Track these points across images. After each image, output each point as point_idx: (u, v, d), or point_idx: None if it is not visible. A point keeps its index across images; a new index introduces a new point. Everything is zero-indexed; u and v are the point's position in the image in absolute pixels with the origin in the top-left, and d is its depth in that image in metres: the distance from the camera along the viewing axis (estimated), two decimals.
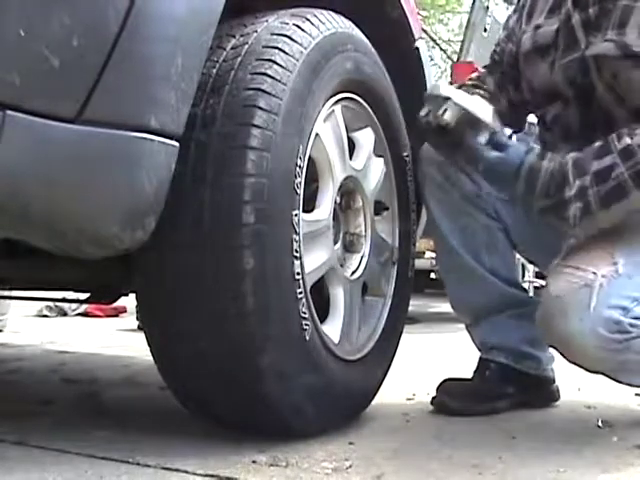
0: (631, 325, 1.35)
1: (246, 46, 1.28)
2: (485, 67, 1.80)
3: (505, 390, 1.72)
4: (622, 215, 1.39)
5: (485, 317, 1.76)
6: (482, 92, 1.69)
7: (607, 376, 1.46)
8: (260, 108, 1.22)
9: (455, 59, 8.04)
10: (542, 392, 1.79)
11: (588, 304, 1.35)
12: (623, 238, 1.43)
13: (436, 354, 2.82)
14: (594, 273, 1.37)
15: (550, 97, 1.59)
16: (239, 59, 1.26)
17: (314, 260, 1.38)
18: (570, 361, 1.47)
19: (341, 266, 1.51)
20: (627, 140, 1.38)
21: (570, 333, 1.36)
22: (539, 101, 1.63)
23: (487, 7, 6.12)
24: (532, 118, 1.77)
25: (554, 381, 1.80)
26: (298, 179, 1.29)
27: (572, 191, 1.39)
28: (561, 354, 1.49)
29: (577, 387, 1.90)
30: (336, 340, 1.43)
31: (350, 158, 1.52)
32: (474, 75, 1.78)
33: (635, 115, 1.44)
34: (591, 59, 1.48)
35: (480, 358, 1.78)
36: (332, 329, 1.43)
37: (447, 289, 1.82)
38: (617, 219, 1.40)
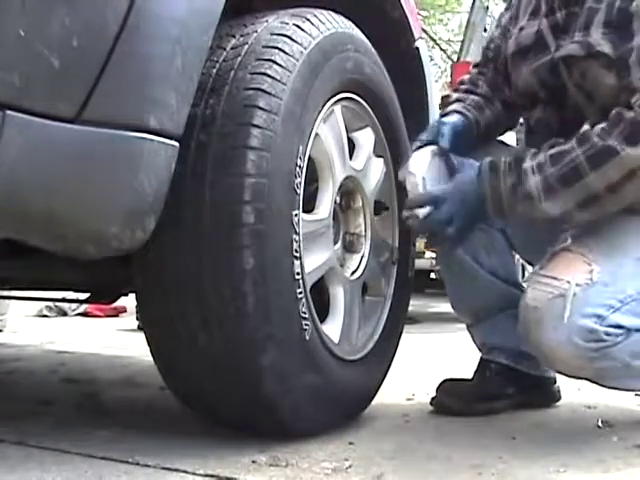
0: (607, 334, 1.34)
1: (246, 46, 1.28)
2: (476, 66, 1.80)
3: (505, 390, 1.72)
4: (582, 198, 1.38)
5: (485, 317, 1.76)
6: (475, 98, 1.69)
7: (591, 381, 1.46)
8: (260, 108, 1.22)
9: (455, 59, 8.06)
10: (543, 392, 1.79)
11: (562, 314, 1.35)
12: (600, 246, 1.43)
13: (436, 354, 2.82)
14: (568, 282, 1.36)
15: (532, 100, 1.61)
16: (239, 59, 1.26)
17: (314, 260, 1.38)
18: (553, 370, 1.48)
19: (341, 266, 1.51)
20: (585, 127, 1.40)
21: (546, 343, 1.37)
22: (524, 103, 1.65)
23: (487, 7, 6.13)
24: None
25: (555, 381, 1.80)
26: (298, 179, 1.29)
27: (529, 163, 1.42)
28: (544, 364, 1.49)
29: (577, 387, 1.89)
30: (336, 340, 1.43)
31: (350, 158, 1.52)
32: (466, 78, 1.77)
33: (603, 113, 1.46)
34: (560, 61, 1.50)
35: (480, 358, 1.78)
36: (332, 329, 1.43)
37: (447, 290, 1.82)
38: (579, 201, 1.39)
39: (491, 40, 1.77)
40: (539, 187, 1.39)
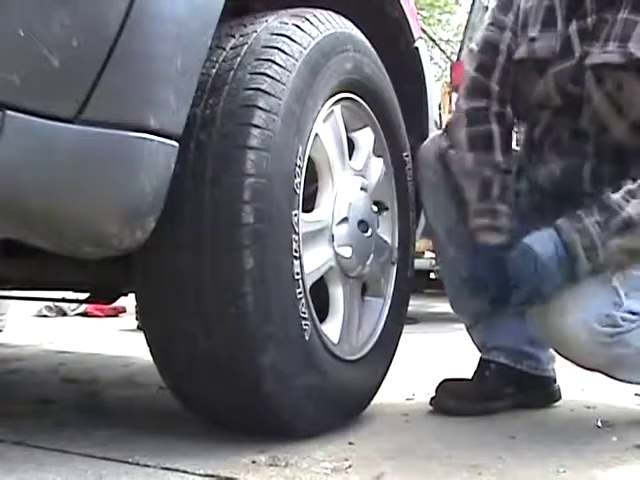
0: (623, 319, 1.37)
1: (246, 46, 1.28)
2: (478, 71, 1.69)
3: (504, 390, 1.72)
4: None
5: (485, 317, 1.75)
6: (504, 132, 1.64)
7: (604, 374, 1.47)
8: (260, 108, 1.22)
9: (455, 59, 8.05)
10: (543, 392, 1.78)
11: (585, 299, 1.37)
12: None
13: (436, 354, 2.82)
14: None
15: (540, 106, 1.60)
16: (239, 59, 1.26)
17: (314, 260, 1.38)
18: (565, 357, 1.48)
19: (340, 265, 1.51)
20: (627, 211, 1.39)
21: (563, 327, 1.39)
22: (526, 108, 1.64)
23: (487, 7, 6.13)
24: None
25: (555, 381, 1.80)
26: (298, 179, 1.29)
27: (617, 195, 1.40)
28: (557, 351, 1.49)
29: (577, 387, 1.90)
30: (336, 340, 1.43)
31: (350, 158, 1.52)
32: (495, 90, 1.64)
33: (633, 128, 1.46)
34: (590, 69, 1.48)
35: (480, 358, 1.78)
36: (332, 329, 1.43)
37: (447, 290, 1.82)
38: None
39: (499, 40, 1.66)
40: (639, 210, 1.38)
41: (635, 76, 1.43)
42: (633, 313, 1.38)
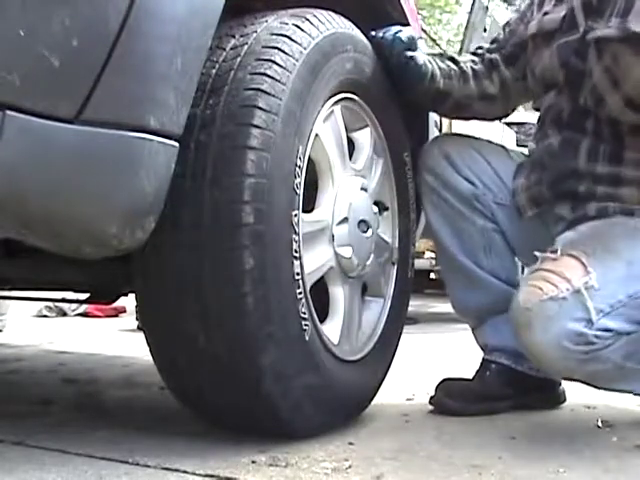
0: (596, 337, 1.34)
1: (246, 46, 1.28)
2: (492, 42, 1.82)
3: (504, 391, 1.72)
4: None
5: (487, 319, 1.75)
6: (452, 66, 1.72)
7: (585, 383, 1.46)
8: (260, 108, 1.22)
9: None
10: (546, 395, 1.77)
11: (553, 316, 1.34)
12: (595, 249, 1.43)
13: (436, 354, 2.82)
14: (561, 285, 1.36)
15: (546, 85, 1.62)
16: (239, 59, 1.26)
17: (314, 260, 1.38)
18: (542, 370, 1.47)
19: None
20: None
21: (535, 345, 1.36)
22: (537, 90, 1.66)
23: (487, 7, 6.13)
24: (528, 118, 1.79)
25: (560, 384, 1.78)
26: (298, 179, 1.29)
27: None
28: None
29: (577, 387, 1.89)
30: (336, 340, 1.43)
31: (350, 158, 1.52)
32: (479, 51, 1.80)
33: (626, 103, 1.46)
34: (592, 43, 1.49)
35: (482, 359, 1.78)
36: (332, 329, 1.44)
37: (449, 292, 1.82)
38: None
39: (508, 23, 1.80)
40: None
41: (631, 48, 1.43)
42: (608, 330, 1.35)
